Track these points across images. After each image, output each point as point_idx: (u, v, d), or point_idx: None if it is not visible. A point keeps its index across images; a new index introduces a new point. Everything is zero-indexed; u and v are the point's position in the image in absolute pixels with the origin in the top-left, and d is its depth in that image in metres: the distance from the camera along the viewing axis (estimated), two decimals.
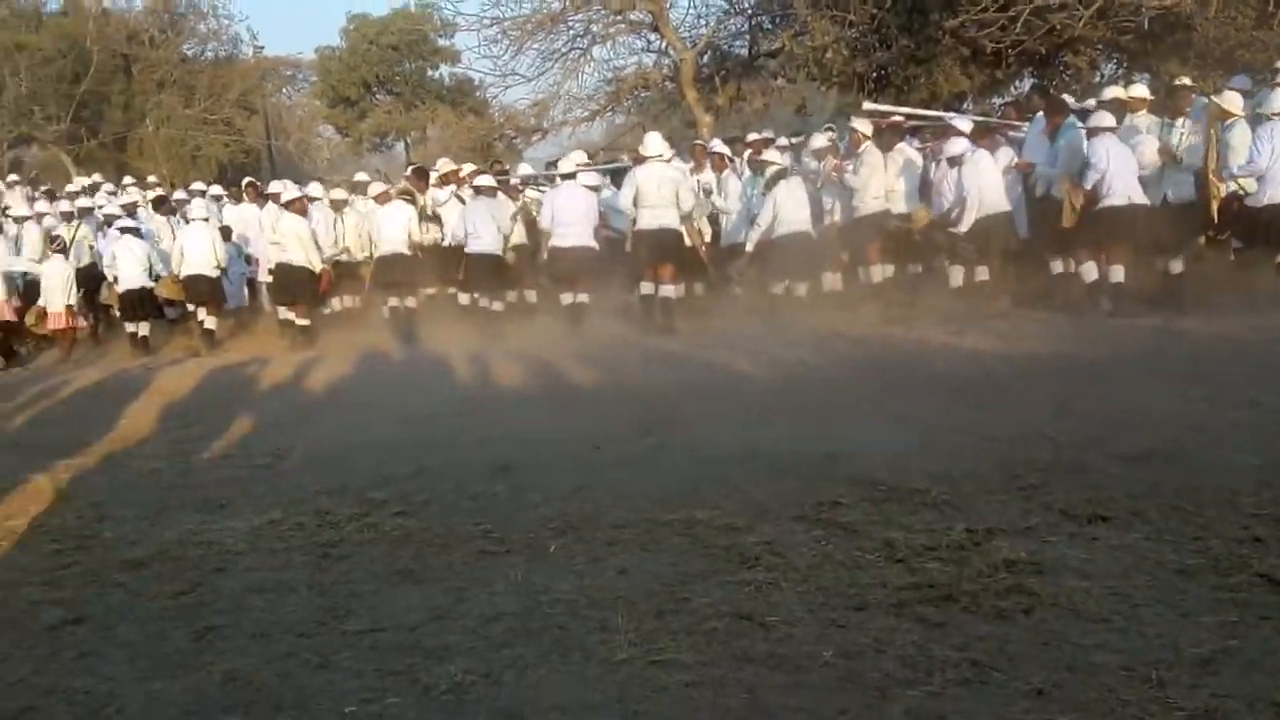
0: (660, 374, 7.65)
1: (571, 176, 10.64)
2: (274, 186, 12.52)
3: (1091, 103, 9.67)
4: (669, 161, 10.67)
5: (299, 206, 11.11)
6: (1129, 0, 9.87)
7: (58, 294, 11.61)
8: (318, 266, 11.01)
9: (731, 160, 11.29)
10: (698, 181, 11.08)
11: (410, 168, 13.54)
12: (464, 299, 11.07)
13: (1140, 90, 9.72)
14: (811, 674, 2.49)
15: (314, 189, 12.21)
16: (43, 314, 11.68)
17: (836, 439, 4.86)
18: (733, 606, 2.91)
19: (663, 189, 9.88)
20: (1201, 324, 7.56)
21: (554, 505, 4.05)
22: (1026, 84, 14.66)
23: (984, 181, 9.05)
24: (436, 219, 11.34)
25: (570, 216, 10.17)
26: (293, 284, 11.10)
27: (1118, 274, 8.63)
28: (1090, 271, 8.82)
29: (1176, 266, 8.86)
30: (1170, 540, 3.21)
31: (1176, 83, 9.37)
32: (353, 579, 3.35)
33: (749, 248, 10.16)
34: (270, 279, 11.59)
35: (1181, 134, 8.75)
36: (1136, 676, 2.35)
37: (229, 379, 9.08)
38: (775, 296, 10.07)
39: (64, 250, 11.95)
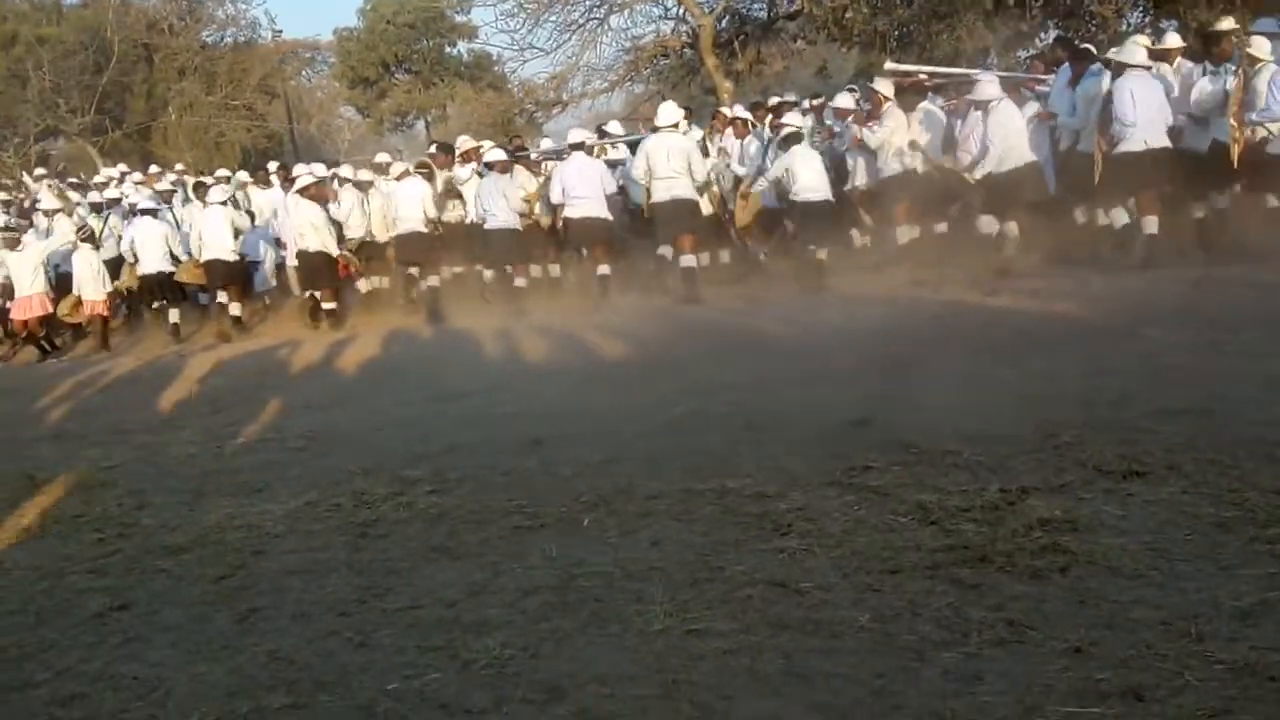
0: (687, 343, 7.65)
1: (580, 147, 10.59)
2: (298, 170, 12.57)
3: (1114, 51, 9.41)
4: (685, 131, 10.61)
5: (313, 192, 11.09)
6: None
7: (89, 284, 11.75)
8: (334, 251, 11.04)
9: (754, 125, 11.21)
10: (720, 149, 11.01)
11: (434, 145, 13.54)
12: (489, 275, 11.08)
13: (1173, 39, 9.49)
14: (847, 639, 2.49)
15: (345, 170, 12.25)
16: (77, 303, 11.84)
17: (867, 403, 4.84)
18: (767, 574, 2.92)
19: (673, 159, 9.81)
20: (1236, 273, 7.44)
21: (585, 478, 4.07)
22: (1051, 36, 14.39)
23: (1010, 130, 8.88)
24: (459, 196, 11.35)
25: (582, 189, 10.15)
26: (313, 270, 11.15)
27: (1150, 225, 8.45)
28: (1119, 218, 8.68)
29: (1208, 213, 8.68)
30: (1207, 494, 3.18)
31: (1219, 27, 9.11)
32: (390, 557, 3.39)
33: (761, 201, 10.13)
34: (295, 265, 11.66)
35: (1228, 79, 8.51)
36: (1175, 631, 2.34)
37: (261, 363, 9.18)
38: (801, 261, 9.99)
39: (93, 240, 12.09)
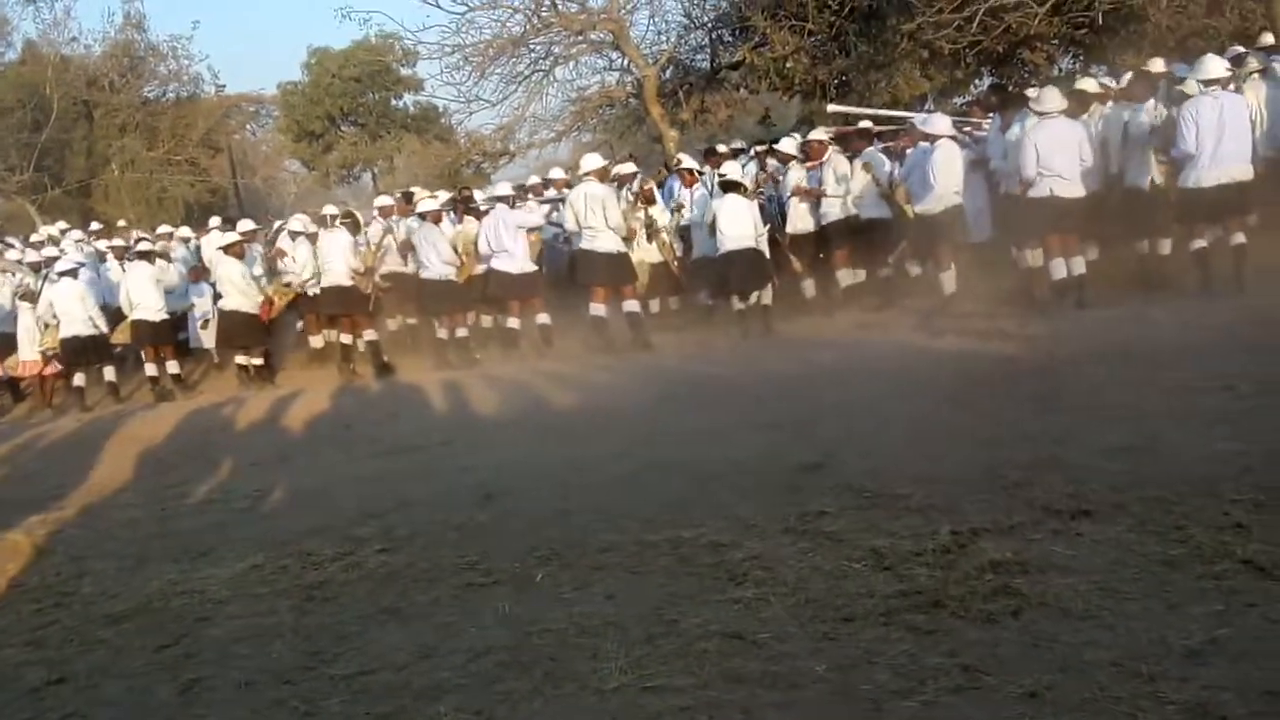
0: (639, 391, 7.65)
1: (505, 200, 10.60)
2: (242, 225, 12.42)
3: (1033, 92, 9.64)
4: (615, 178, 10.72)
5: (236, 250, 11.00)
6: None
7: (28, 344, 11.48)
8: (254, 309, 10.94)
9: (701, 174, 11.33)
10: (677, 202, 11.08)
11: (399, 193, 13.49)
12: (442, 331, 11.00)
13: (1089, 84, 9.73)
14: (805, 690, 2.47)
15: (295, 223, 12.11)
16: (17, 364, 11.56)
17: (819, 447, 4.86)
18: (723, 626, 2.90)
19: (591, 207, 9.87)
20: (1171, 312, 7.61)
21: (539, 532, 4.03)
22: (986, 83, 14.80)
23: (953, 170, 9.02)
24: (411, 247, 11.28)
25: (503, 242, 10.17)
26: (233, 328, 11.03)
27: (1057, 269, 8.61)
28: (1039, 262, 8.85)
29: (1148, 251, 8.89)
30: (1154, 531, 3.22)
31: (1144, 68, 9.41)
32: (339, 621, 3.32)
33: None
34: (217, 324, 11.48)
35: (1156, 116, 8.77)
36: (1127, 672, 2.35)
37: (205, 421, 9.00)
38: (745, 309, 10.04)
39: (32, 299, 11.80)
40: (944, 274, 9.12)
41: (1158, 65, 9.40)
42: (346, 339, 11.17)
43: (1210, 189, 7.99)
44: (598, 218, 9.84)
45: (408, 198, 12.37)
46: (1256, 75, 9.03)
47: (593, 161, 10.43)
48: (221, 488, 5.82)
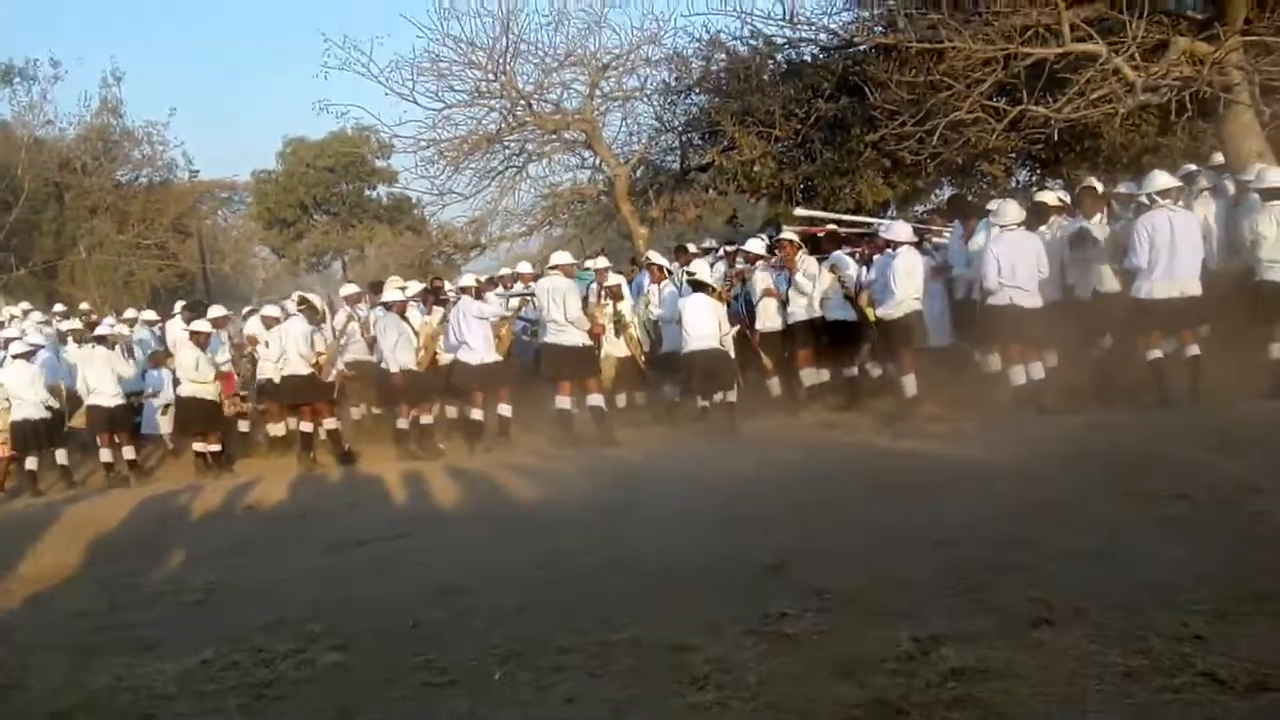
0: (602, 487, 7.61)
1: (469, 291, 10.65)
2: (213, 311, 12.39)
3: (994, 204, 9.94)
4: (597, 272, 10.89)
5: (198, 339, 10.98)
6: (1039, 113, 10.35)
7: None
8: (211, 395, 10.89)
9: (670, 271, 11.50)
10: (652, 292, 11.21)
11: (369, 282, 13.56)
12: (403, 421, 10.92)
13: (1048, 197, 10.06)
14: None
15: (268, 311, 12.08)
16: None
17: (782, 548, 4.84)
18: None
19: (554, 300, 9.98)
20: (1130, 421, 7.74)
21: (498, 630, 3.96)
22: (946, 192, 15.23)
23: (915, 275, 9.21)
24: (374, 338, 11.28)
25: (467, 333, 10.23)
26: (194, 414, 10.94)
27: (1016, 375, 8.78)
28: (1000, 368, 9.01)
29: (1102, 358, 9.06)
30: (1114, 641, 3.23)
31: (1087, 184, 9.78)
32: None
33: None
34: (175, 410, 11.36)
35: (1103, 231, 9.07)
36: None
37: (159, 509, 8.81)
38: (709, 406, 10.08)
39: None
40: (905, 377, 9.25)
41: (1094, 183, 9.81)
42: (307, 427, 11.07)
43: (1161, 301, 8.20)
44: (560, 311, 9.93)
45: (376, 287, 12.44)
46: (1206, 193, 9.38)
47: (561, 257, 10.58)
48: (173, 579, 5.68)
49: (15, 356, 11.21)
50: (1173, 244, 8.14)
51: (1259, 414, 7.42)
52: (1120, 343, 8.88)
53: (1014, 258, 8.60)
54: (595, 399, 10.12)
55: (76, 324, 13.53)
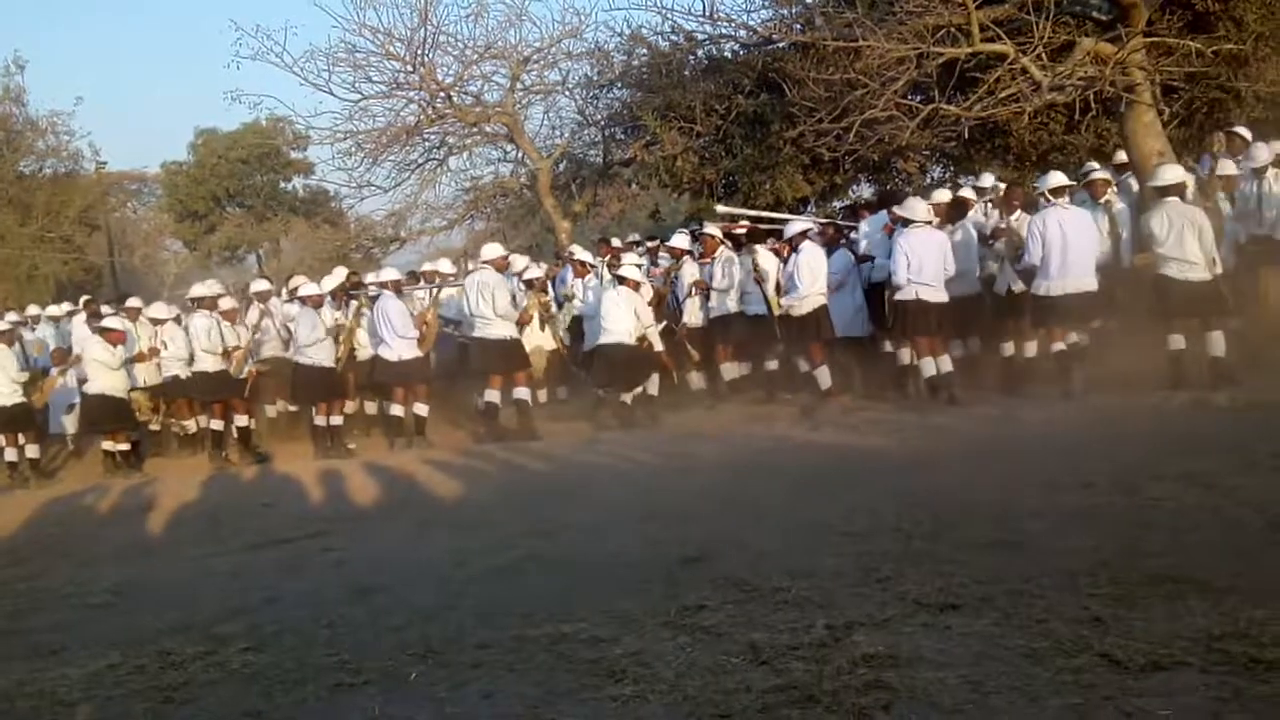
0: (521, 483, 7.59)
1: (389, 286, 10.49)
2: (132, 302, 11.99)
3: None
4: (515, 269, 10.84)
5: (113, 336, 10.57)
6: (950, 112, 10.58)
7: None
8: (121, 394, 10.55)
9: (593, 266, 11.49)
10: (575, 286, 11.20)
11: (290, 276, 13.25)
12: (319, 418, 10.73)
13: (943, 195, 10.36)
14: None
15: (156, 310, 11.70)
16: None
17: (700, 541, 4.89)
18: None
19: (483, 295, 9.92)
20: (1036, 410, 7.98)
21: (415, 628, 3.93)
22: (864, 188, 15.50)
23: (816, 270, 9.36)
24: (287, 331, 11.07)
25: (383, 328, 10.13)
26: (104, 412, 10.57)
27: (926, 367, 9.02)
28: (912, 360, 9.24)
29: (1014, 354, 9.31)
30: (1017, 625, 3.33)
31: (1008, 184, 10.11)
32: None
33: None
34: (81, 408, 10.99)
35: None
36: None
37: (63, 511, 8.54)
38: (628, 400, 10.12)
39: None
40: (818, 370, 9.40)
41: (988, 180, 10.38)
42: (218, 425, 10.81)
43: (1058, 298, 8.48)
44: (489, 306, 9.86)
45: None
46: (1113, 191, 9.70)
47: (492, 250, 10.47)
48: (77, 582, 5.49)
49: None
50: (1064, 242, 8.41)
51: (1158, 404, 7.71)
52: (1028, 336, 9.15)
53: (922, 254, 8.81)
54: (521, 391, 10.08)
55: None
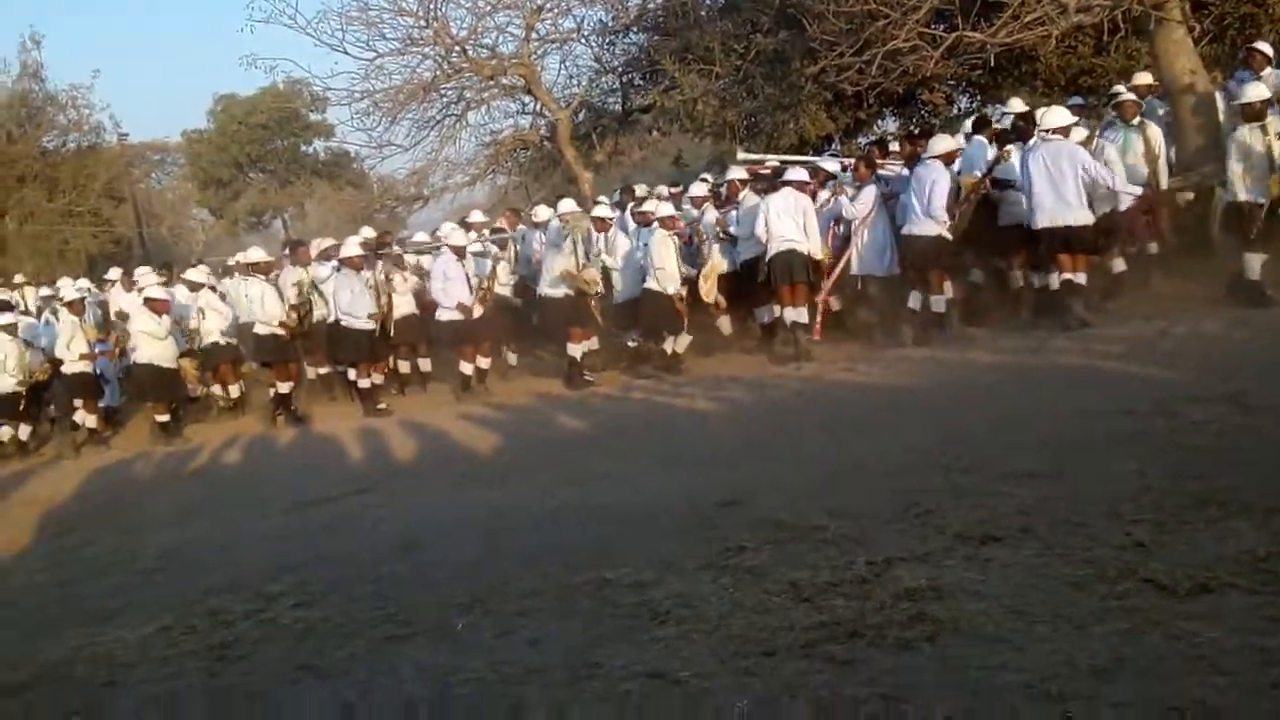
0: (556, 434, 7.63)
1: (455, 249, 10.55)
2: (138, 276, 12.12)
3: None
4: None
5: (158, 306, 10.63)
6: (975, 38, 10.34)
7: None
8: (172, 360, 10.65)
9: (612, 219, 11.40)
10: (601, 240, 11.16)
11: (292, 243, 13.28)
12: (352, 374, 10.83)
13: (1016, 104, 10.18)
14: None
15: (194, 274, 11.81)
16: None
17: (739, 484, 4.90)
18: (646, 666, 2.89)
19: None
20: (1070, 342, 7.88)
21: (460, 580, 3.98)
22: (889, 123, 15.27)
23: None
24: (319, 294, 11.11)
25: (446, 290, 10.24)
26: (152, 382, 10.67)
27: (936, 303, 9.01)
28: (921, 299, 9.19)
29: (1043, 283, 9.19)
30: (1059, 554, 3.31)
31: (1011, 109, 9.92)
32: (251, 680, 3.23)
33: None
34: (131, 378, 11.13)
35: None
36: (1038, 694, 2.41)
37: (113, 479, 8.71)
38: (657, 349, 10.13)
39: None
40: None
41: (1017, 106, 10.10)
42: (285, 387, 10.90)
43: (1046, 230, 8.41)
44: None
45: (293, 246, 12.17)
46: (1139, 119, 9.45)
47: (568, 205, 10.49)
48: (128, 547, 5.61)
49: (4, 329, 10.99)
50: (1051, 176, 8.31)
51: (1194, 327, 7.59)
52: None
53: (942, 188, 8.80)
54: (573, 348, 10.15)
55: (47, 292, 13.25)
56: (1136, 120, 9.27)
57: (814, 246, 9.38)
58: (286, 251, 12.13)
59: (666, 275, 9.72)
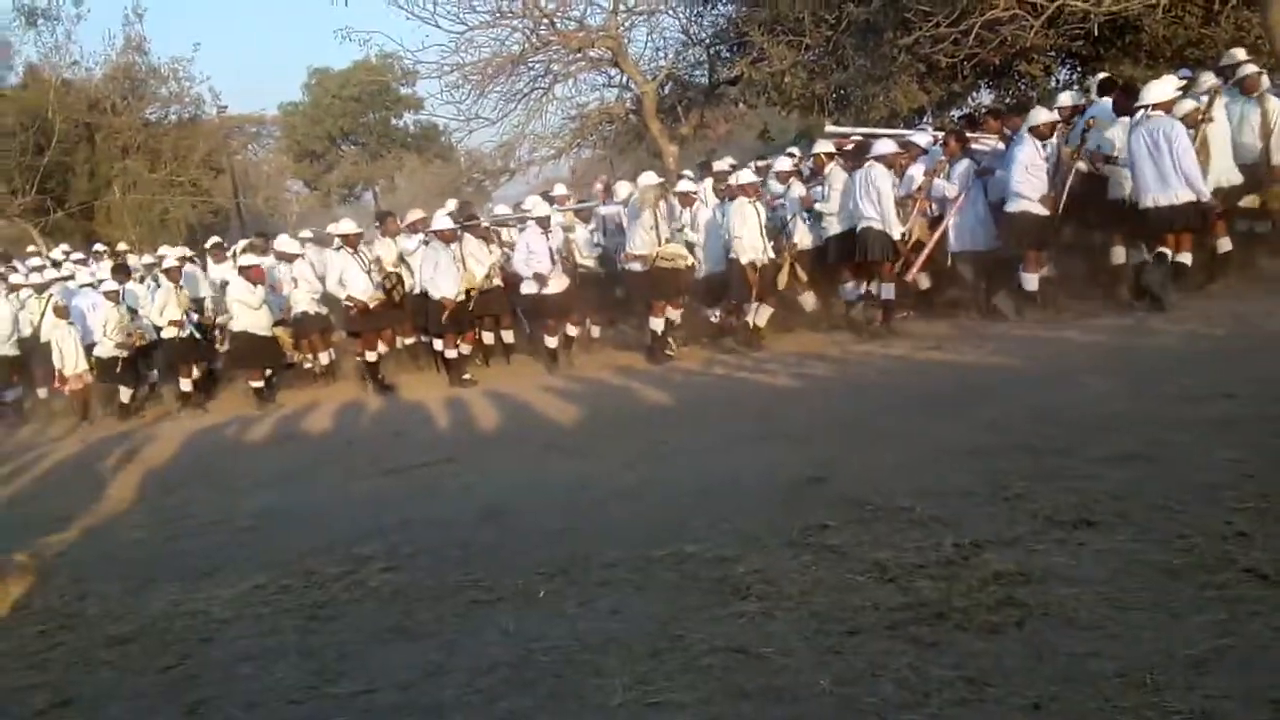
0: (639, 407, 7.66)
1: (540, 221, 10.64)
2: (240, 246, 12.46)
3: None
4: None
5: (253, 274, 10.85)
6: (1078, 7, 9.99)
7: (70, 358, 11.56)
8: (264, 331, 10.91)
9: (695, 194, 11.32)
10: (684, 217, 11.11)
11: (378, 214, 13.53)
12: (439, 344, 11.01)
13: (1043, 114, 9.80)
14: (809, 704, 2.47)
15: (282, 243, 12.10)
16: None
17: (822, 461, 4.86)
18: (727, 640, 2.90)
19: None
20: (1170, 322, 7.62)
21: (543, 549, 4.03)
22: (984, 95, 14.85)
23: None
24: (406, 266, 11.30)
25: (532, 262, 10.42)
26: (250, 349, 10.94)
27: (1029, 281, 8.87)
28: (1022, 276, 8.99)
29: (1142, 263, 8.87)
30: (1156, 540, 3.22)
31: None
32: (342, 640, 3.32)
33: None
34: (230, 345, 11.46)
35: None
36: (1131, 682, 2.35)
37: (209, 442, 9.02)
38: (740, 324, 10.08)
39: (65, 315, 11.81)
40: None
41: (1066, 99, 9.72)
42: (375, 354, 11.14)
43: (1150, 209, 8.14)
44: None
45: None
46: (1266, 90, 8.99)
47: (648, 178, 10.52)
48: (225, 508, 5.82)
49: (106, 293, 11.45)
50: (1151, 153, 8.02)
51: None
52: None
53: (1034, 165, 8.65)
54: (656, 322, 10.18)
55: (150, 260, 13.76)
56: (1256, 94, 8.85)
57: (889, 224, 9.24)
58: (376, 224, 12.34)
59: (741, 244, 9.66)
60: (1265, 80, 9.03)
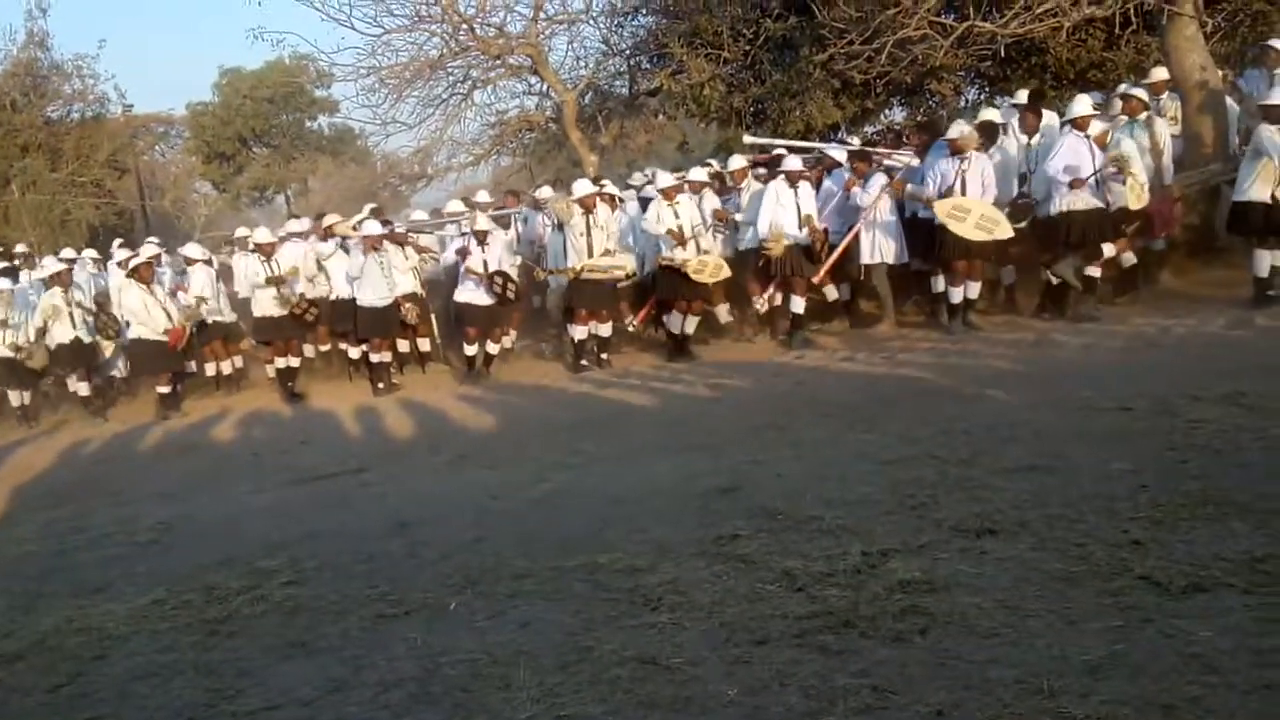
0: (554, 416, 7.62)
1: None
2: (146, 249, 12.03)
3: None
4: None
5: (142, 274, 10.41)
6: (985, 29, 10.27)
7: None
8: (159, 334, 10.50)
9: (621, 199, 11.34)
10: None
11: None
12: (354, 353, 10.82)
13: (992, 114, 10.08)
14: (716, 715, 2.47)
15: (191, 249, 11.75)
16: None
17: (733, 471, 4.90)
18: (636, 651, 2.89)
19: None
20: (1072, 334, 7.86)
21: (453, 560, 3.97)
22: (896, 112, 15.17)
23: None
24: (323, 271, 11.07)
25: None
26: (146, 356, 10.57)
27: (954, 295, 8.98)
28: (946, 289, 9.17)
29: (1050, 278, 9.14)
30: (1055, 549, 3.31)
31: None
32: (243, 656, 3.22)
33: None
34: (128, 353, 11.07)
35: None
36: (1030, 689, 2.40)
37: (107, 450, 8.70)
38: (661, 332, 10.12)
39: None
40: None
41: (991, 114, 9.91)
42: (290, 363, 10.86)
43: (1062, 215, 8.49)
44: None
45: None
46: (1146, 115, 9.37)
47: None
48: (123, 520, 5.61)
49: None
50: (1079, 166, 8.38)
51: (1197, 325, 7.57)
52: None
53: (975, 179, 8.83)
54: (576, 330, 10.15)
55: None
56: (1143, 116, 9.22)
57: (799, 238, 9.40)
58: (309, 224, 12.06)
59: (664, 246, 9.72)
60: (1147, 104, 9.39)
